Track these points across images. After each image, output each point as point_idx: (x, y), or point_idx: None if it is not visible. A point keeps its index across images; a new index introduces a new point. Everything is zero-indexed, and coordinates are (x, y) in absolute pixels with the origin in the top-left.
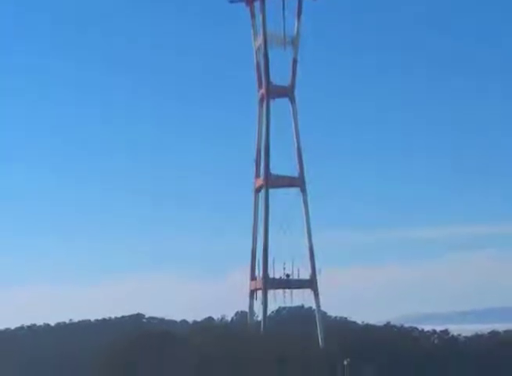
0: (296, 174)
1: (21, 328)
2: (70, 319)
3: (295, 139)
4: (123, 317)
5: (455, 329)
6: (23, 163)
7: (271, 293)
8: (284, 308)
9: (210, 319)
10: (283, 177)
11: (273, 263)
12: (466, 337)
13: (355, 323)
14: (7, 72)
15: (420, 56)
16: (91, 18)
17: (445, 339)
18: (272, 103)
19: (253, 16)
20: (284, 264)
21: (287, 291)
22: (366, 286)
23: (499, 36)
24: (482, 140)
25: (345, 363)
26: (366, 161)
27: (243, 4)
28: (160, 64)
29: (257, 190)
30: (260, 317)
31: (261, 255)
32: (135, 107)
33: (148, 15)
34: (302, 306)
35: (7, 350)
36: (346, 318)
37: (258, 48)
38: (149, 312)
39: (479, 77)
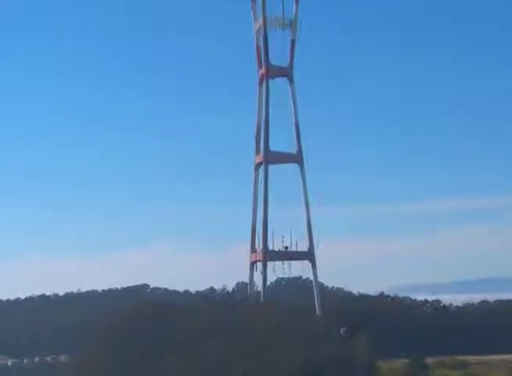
0: (294, 150)
1: (31, 298)
2: (79, 290)
3: (293, 117)
4: (128, 287)
5: (446, 299)
6: (22, 136)
7: (270, 264)
8: (283, 279)
9: (212, 289)
10: (282, 153)
11: (273, 236)
12: (457, 306)
13: (350, 293)
14: None
15: (418, 36)
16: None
17: (437, 308)
18: (271, 82)
19: None
20: (283, 237)
21: (286, 262)
22: (361, 258)
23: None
24: (481, 117)
25: (342, 331)
26: (365, 138)
27: None
28: (162, 45)
29: (257, 166)
30: (260, 288)
31: (261, 228)
32: (136, 89)
33: None
34: (300, 277)
35: (17, 319)
36: (342, 288)
37: (258, 31)
38: (154, 282)
39: (480, 58)
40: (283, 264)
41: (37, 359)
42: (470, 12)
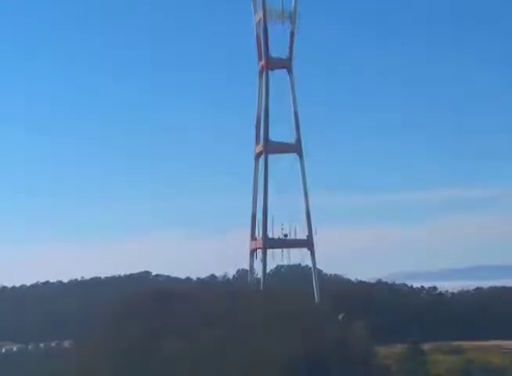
0: (293, 140)
1: (36, 285)
2: (82, 277)
3: (293, 108)
4: (131, 275)
5: (442, 286)
6: (22, 124)
7: (270, 252)
8: (282, 266)
9: (213, 276)
10: (282, 143)
11: (272, 224)
12: (452, 293)
13: (348, 280)
14: None
15: (418, 27)
16: None
17: (433, 295)
18: (270, 74)
19: None
20: (282, 225)
21: (285, 250)
22: (360, 245)
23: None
24: (483, 105)
25: (340, 317)
26: (364, 128)
27: None
28: (163, 38)
29: (257, 156)
30: (260, 275)
31: (260, 217)
32: (136, 81)
33: None
34: (299, 265)
35: (22, 306)
36: (340, 275)
37: (258, 23)
38: (156, 269)
39: (478, 43)
40: (283, 251)
41: (41, 344)
42: (470, 6)
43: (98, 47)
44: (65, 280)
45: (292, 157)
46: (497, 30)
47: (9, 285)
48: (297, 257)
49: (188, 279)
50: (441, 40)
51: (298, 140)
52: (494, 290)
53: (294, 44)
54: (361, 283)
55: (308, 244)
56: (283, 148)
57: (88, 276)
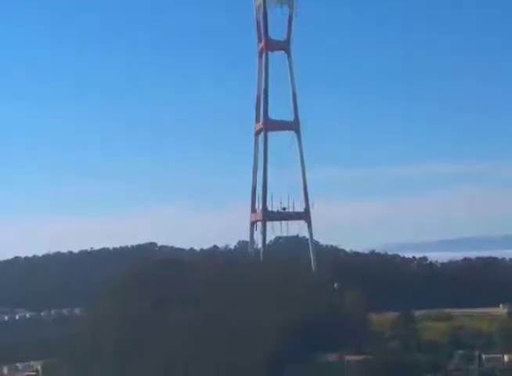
0: (291, 118)
1: (47, 255)
2: (91, 248)
3: (291, 88)
4: (138, 246)
5: (432, 256)
6: (22, 97)
7: (269, 224)
8: (281, 237)
9: (215, 247)
10: (280, 121)
11: (271, 198)
12: (442, 263)
13: (343, 250)
14: None
15: (419, 9)
16: None
17: (424, 265)
18: (270, 55)
19: None
20: (281, 198)
21: (284, 222)
22: (354, 217)
23: None
24: (475, 83)
25: (335, 285)
26: (361, 106)
27: None
28: (166, 14)
29: (257, 133)
30: (260, 246)
31: (260, 191)
32: (137, 60)
33: None
34: (297, 236)
35: (35, 275)
36: (336, 246)
37: (258, 7)
38: (161, 241)
39: (478, 23)
40: (281, 224)
41: (53, 311)
42: None
43: (98, 25)
44: (75, 251)
45: (290, 134)
46: (497, 19)
47: (22, 255)
48: (295, 229)
49: (191, 250)
50: (441, 24)
51: (296, 118)
52: (480, 260)
53: (292, 27)
54: (355, 253)
55: (305, 216)
56: (281, 125)
57: (97, 247)
